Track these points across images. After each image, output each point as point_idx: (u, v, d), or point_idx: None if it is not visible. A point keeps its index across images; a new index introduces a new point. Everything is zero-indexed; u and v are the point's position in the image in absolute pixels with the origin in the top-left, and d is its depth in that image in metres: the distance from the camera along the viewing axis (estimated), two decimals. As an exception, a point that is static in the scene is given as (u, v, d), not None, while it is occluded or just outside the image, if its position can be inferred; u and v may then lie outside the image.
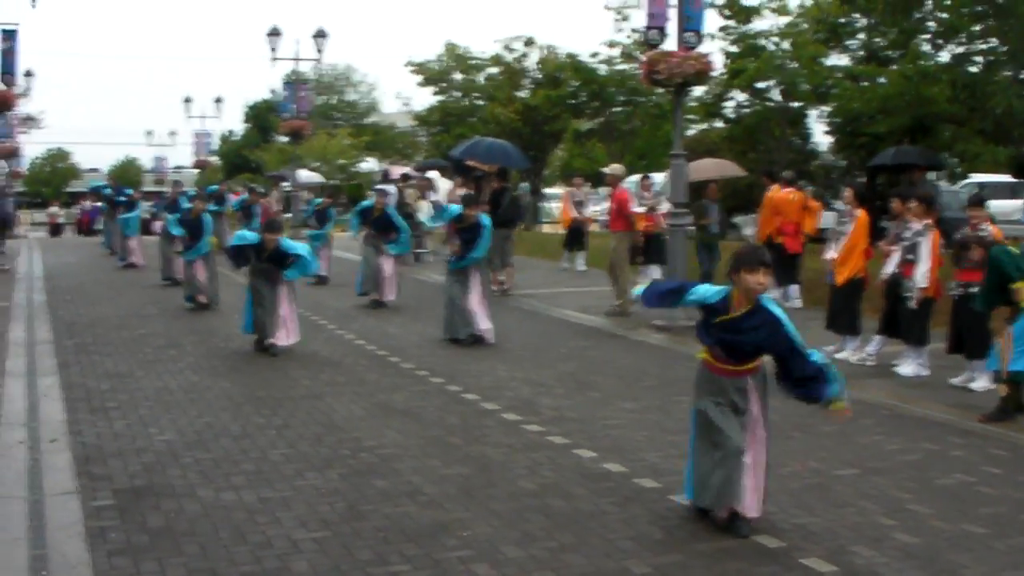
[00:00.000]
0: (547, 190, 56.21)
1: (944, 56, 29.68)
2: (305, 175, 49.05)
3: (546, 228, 46.41)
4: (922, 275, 13.88)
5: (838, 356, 14.85)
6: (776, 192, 21.02)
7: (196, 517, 8.05)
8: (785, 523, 8.06)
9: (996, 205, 31.23)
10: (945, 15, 28.28)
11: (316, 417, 11.40)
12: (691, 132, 45.44)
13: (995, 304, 12.17)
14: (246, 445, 10.20)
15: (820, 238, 19.78)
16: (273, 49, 41.51)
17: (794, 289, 20.66)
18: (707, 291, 7.88)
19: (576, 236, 27.98)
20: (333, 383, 13.33)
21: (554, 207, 47.43)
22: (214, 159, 75.90)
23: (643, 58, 19.22)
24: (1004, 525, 8.08)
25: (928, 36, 29.90)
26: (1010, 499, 8.80)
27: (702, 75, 18.91)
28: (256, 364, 14.59)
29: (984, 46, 28.64)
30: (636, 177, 29.26)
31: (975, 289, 13.00)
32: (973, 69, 28.50)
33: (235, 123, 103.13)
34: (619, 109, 46.53)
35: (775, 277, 21.21)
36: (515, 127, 46.17)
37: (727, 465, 7.71)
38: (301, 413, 11.60)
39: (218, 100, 68.46)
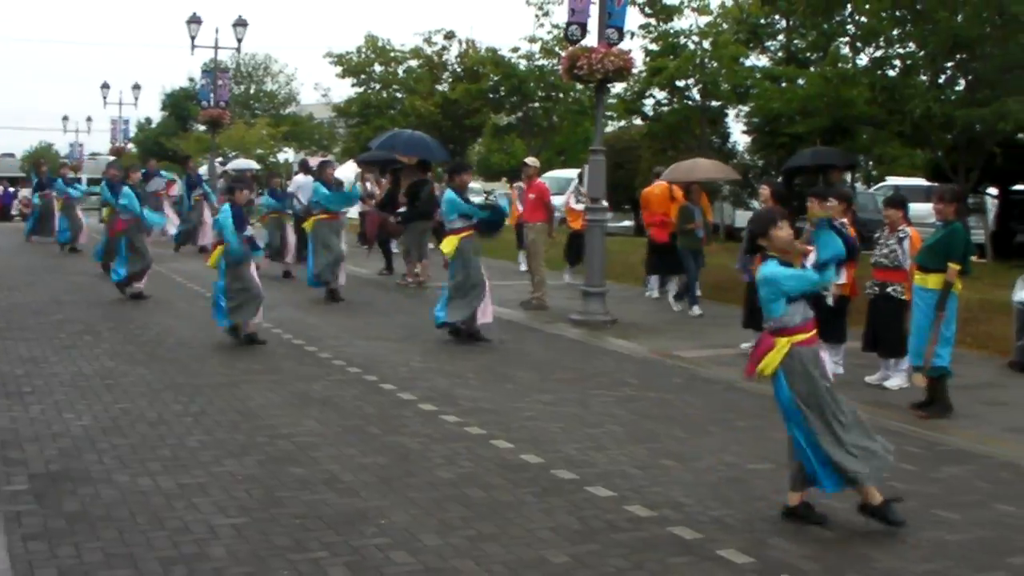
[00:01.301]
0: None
1: (863, 59, 30.03)
2: (242, 163, 48.88)
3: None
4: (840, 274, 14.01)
5: (753, 352, 14.95)
6: (650, 188, 21.90)
7: (113, 502, 8.05)
8: (703, 515, 8.17)
9: (913, 208, 31.68)
10: (864, 19, 28.62)
11: (233, 405, 11.42)
12: (610, 129, 45.68)
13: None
14: (163, 431, 10.20)
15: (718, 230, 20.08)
16: (193, 37, 41.26)
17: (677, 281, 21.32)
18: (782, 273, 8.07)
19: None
20: (250, 371, 13.34)
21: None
22: (131, 146, 75.18)
23: (564, 54, 19.29)
24: (915, 519, 8.20)
25: (847, 39, 30.22)
26: (921, 494, 8.96)
27: (622, 72, 18.92)
28: (173, 351, 14.55)
29: (903, 50, 29.00)
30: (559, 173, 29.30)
31: (891, 288, 13.24)
32: (892, 73, 28.85)
33: (153, 111, 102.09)
34: (539, 105, 46.54)
35: (655, 270, 21.93)
36: (434, 120, 46.07)
37: (862, 433, 8.25)
38: (218, 400, 11.60)
39: (136, 87, 67.80)
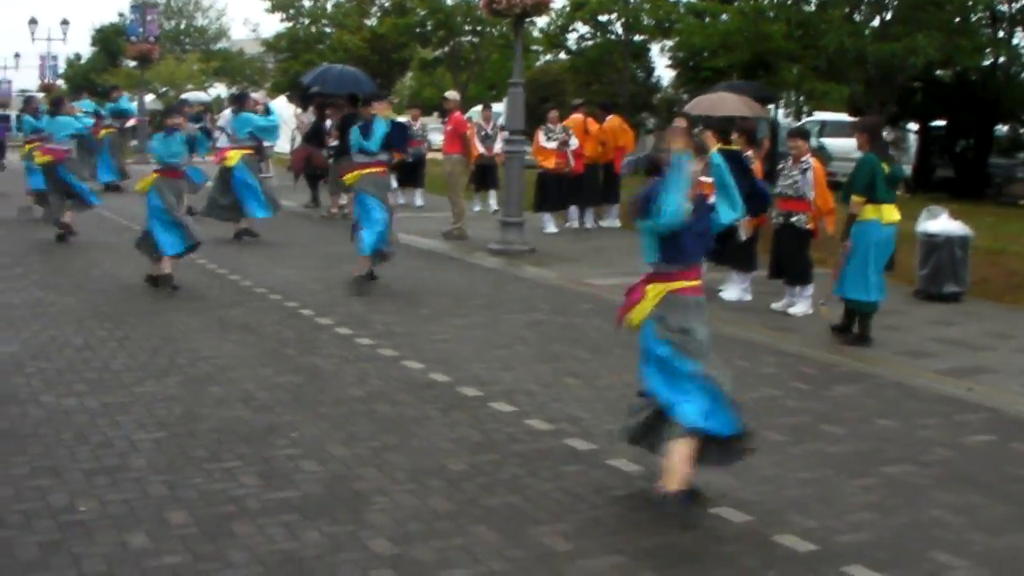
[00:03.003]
0: (398, 118, 56.25)
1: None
2: (192, 96, 48.86)
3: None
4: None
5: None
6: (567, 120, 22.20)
7: (40, 421, 8.47)
8: (597, 429, 8.67)
9: (838, 144, 32.33)
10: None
11: (156, 331, 11.81)
12: (537, 64, 45.98)
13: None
14: (88, 356, 10.60)
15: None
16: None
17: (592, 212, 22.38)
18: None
19: (484, 174, 25.06)
20: (173, 299, 13.72)
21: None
22: (60, 83, 74.64)
23: (484, -15, 19.49)
24: (802, 433, 8.80)
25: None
26: (811, 411, 9.53)
27: (541, 7, 19.03)
28: (100, 282, 14.89)
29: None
30: (478, 107, 29.53)
31: (795, 218, 13.75)
32: (808, 8, 29.34)
33: (82, 46, 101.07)
34: (466, 39, 46.76)
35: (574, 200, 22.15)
36: (363, 55, 46.18)
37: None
38: (142, 327, 11.99)
39: (65, 22, 67.35)
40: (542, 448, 8.23)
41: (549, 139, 21.43)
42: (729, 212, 7.14)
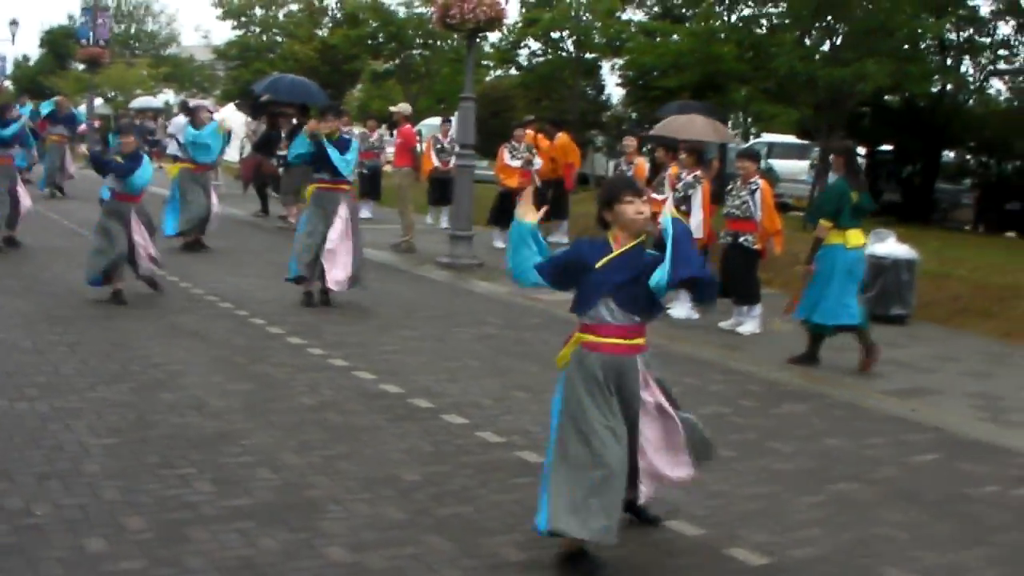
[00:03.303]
0: (347, 129, 56.28)
1: (734, 17, 30.80)
2: (143, 101, 48.61)
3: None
4: (696, 225, 14.39)
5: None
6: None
7: (-10, 424, 8.44)
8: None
9: (785, 165, 32.65)
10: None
11: (107, 336, 11.79)
12: (488, 78, 46.09)
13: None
14: (38, 360, 10.55)
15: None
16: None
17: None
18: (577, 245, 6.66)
19: (440, 188, 24.27)
20: (124, 305, 13.64)
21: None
22: (7, 84, 74.16)
23: (439, 1, 19.58)
24: (750, 449, 8.92)
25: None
26: (759, 428, 9.67)
27: (494, 22, 19.09)
28: (50, 285, 14.83)
29: (774, 9, 29.78)
30: (428, 120, 29.56)
31: (743, 238, 13.90)
32: (759, 31, 29.62)
33: (31, 48, 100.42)
34: (417, 52, 46.87)
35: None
36: (313, 65, 46.22)
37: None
38: (93, 331, 11.96)
39: (13, 23, 66.92)
40: (493, 460, 8.30)
41: (514, 157, 21.16)
42: (660, 276, 6.13)
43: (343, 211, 14.26)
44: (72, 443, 8.05)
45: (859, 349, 12.35)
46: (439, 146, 24.23)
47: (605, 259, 6.32)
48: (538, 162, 21.01)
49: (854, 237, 12.06)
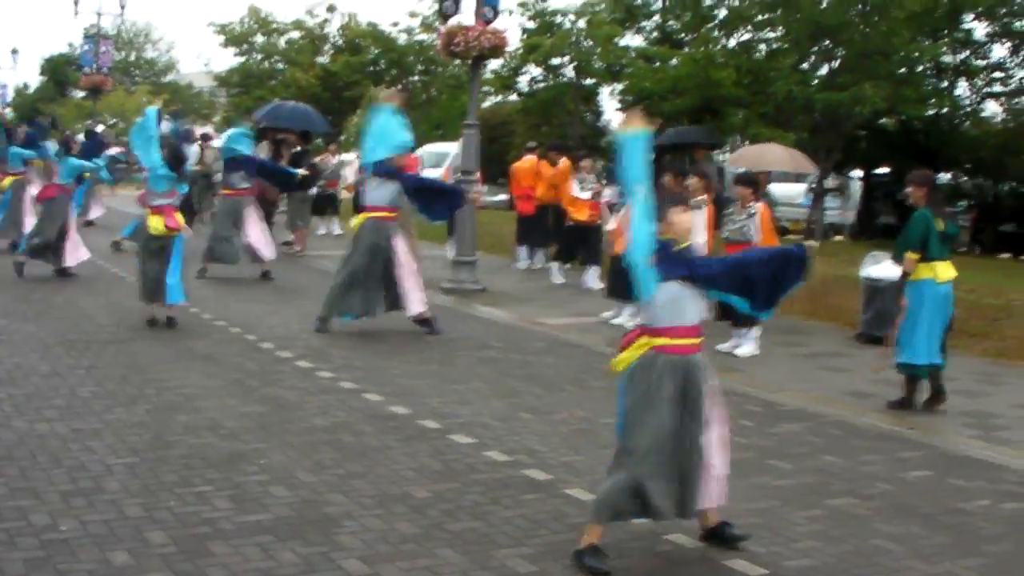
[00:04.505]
0: (345, 156, 56.50)
1: (733, 42, 31.06)
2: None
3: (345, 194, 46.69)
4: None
5: (614, 322, 15.86)
6: (519, 162, 22.86)
7: (13, 444, 8.67)
8: (554, 460, 9.04)
9: (782, 189, 32.80)
10: (736, 3, 29.68)
11: (122, 360, 12.03)
12: (487, 104, 46.35)
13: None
14: (56, 383, 10.80)
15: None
16: (76, 1, 41.22)
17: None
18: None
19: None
20: (136, 329, 13.92)
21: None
22: (8, 111, 74.45)
23: (442, 29, 19.84)
24: (749, 467, 9.08)
25: (718, 23, 31.23)
26: (757, 447, 9.89)
27: (497, 50, 19.55)
28: (62, 310, 15.06)
29: (772, 34, 30.06)
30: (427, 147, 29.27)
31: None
32: (758, 56, 29.90)
33: (31, 76, 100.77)
34: (417, 78, 47.15)
35: (523, 240, 22.37)
36: (314, 92, 46.48)
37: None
38: (108, 356, 12.21)
39: (14, 51, 67.30)
40: (501, 477, 8.53)
41: (583, 189, 19.80)
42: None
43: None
44: (93, 462, 8.30)
45: (928, 388, 11.94)
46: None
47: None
48: (607, 193, 18.65)
49: (943, 270, 11.52)
